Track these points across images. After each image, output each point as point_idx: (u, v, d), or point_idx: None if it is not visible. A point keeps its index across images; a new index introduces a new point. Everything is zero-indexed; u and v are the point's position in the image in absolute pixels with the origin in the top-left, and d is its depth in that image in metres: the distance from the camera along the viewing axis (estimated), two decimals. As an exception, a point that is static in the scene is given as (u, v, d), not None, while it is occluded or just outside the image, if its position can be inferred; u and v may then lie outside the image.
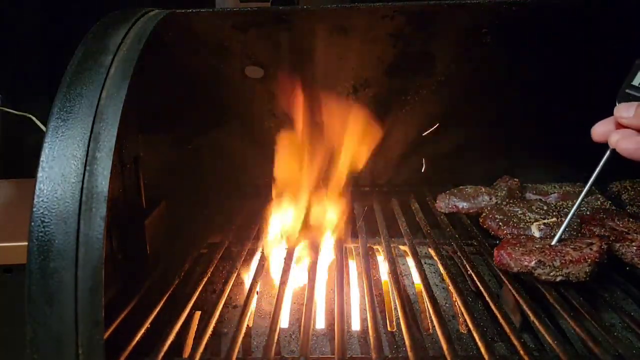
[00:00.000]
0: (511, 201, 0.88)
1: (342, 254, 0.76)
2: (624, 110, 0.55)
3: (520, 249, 0.67)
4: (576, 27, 0.80)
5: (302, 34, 0.81)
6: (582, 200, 0.64)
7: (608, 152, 0.58)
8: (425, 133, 0.96)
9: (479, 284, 0.65)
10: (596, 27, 0.79)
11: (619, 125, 0.56)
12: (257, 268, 0.73)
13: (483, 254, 0.77)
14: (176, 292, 0.66)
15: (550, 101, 0.92)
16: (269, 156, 0.89)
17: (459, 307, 0.67)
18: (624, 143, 0.55)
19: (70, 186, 0.49)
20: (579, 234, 0.75)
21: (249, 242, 0.83)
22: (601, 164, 0.60)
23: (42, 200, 0.48)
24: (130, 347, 0.52)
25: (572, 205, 0.66)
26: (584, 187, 0.63)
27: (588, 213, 0.84)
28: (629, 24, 0.78)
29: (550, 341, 0.52)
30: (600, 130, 0.58)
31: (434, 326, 0.60)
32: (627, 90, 0.57)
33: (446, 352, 0.51)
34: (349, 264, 0.81)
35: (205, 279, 0.70)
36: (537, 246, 0.67)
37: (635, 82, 0.56)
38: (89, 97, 0.53)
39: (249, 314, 0.61)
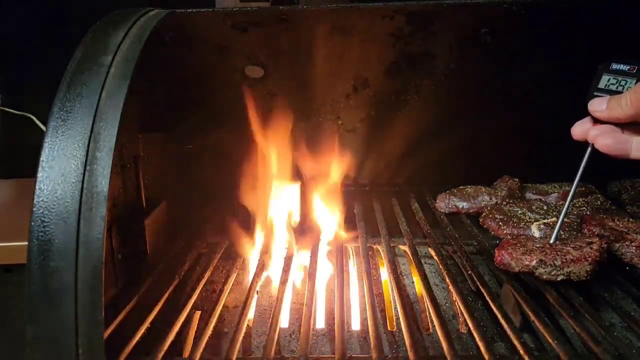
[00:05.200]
0: (511, 201, 0.88)
1: (342, 254, 0.76)
2: (597, 105, 0.59)
3: (521, 248, 0.67)
4: (576, 26, 0.80)
5: (302, 33, 0.81)
6: (572, 198, 0.66)
7: (589, 149, 0.62)
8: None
9: (479, 284, 0.65)
10: (597, 26, 0.79)
11: (596, 123, 0.60)
12: (257, 268, 0.73)
13: (483, 254, 0.77)
14: (176, 292, 0.66)
15: (550, 100, 0.92)
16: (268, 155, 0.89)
17: (459, 307, 0.67)
18: (602, 139, 0.58)
19: (70, 186, 0.49)
20: (579, 234, 0.75)
21: (248, 242, 0.83)
22: (584, 161, 0.63)
23: (42, 200, 0.48)
24: (130, 347, 0.52)
25: (570, 205, 0.67)
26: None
27: (588, 213, 0.84)
28: (629, 24, 0.78)
29: (551, 341, 0.52)
30: (579, 129, 0.62)
31: (434, 326, 0.60)
32: (595, 93, 0.61)
33: (446, 352, 0.51)
34: (349, 264, 0.81)
35: (205, 279, 0.70)
36: (537, 246, 0.67)
37: (601, 85, 0.61)
38: (89, 97, 0.53)
39: (249, 314, 0.61)
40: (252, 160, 0.89)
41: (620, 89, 0.60)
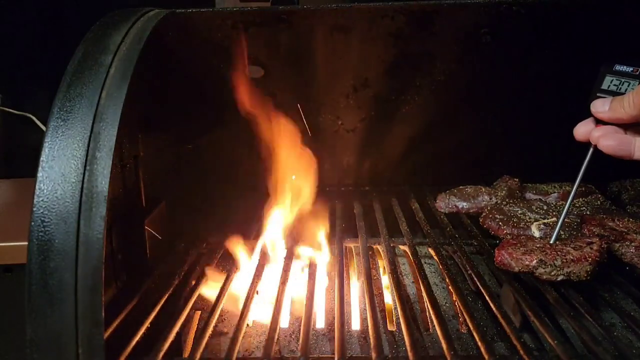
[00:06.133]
0: (511, 201, 0.88)
1: (342, 254, 0.76)
2: (599, 106, 0.59)
3: (521, 248, 0.67)
4: (576, 26, 0.80)
5: (302, 33, 0.81)
6: (573, 198, 0.67)
7: (591, 149, 0.62)
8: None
9: (479, 284, 0.65)
10: (597, 26, 0.79)
11: (598, 124, 0.60)
12: (257, 268, 0.73)
13: (483, 254, 0.77)
14: (176, 292, 0.66)
15: (550, 100, 0.92)
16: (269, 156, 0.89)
17: (459, 307, 0.67)
18: (605, 140, 0.58)
19: (70, 186, 0.49)
20: (579, 234, 0.75)
21: (249, 241, 0.83)
22: (586, 161, 0.64)
23: (42, 200, 0.48)
24: (130, 347, 0.52)
25: (570, 205, 0.67)
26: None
27: (588, 213, 0.84)
28: (630, 25, 0.78)
29: (550, 341, 0.52)
30: (581, 130, 0.62)
31: (434, 326, 0.60)
32: (598, 94, 0.62)
33: (446, 352, 0.51)
34: (349, 264, 0.81)
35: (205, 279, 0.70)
36: (537, 246, 0.67)
37: (604, 86, 0.62)
38: (89, 97, 0.53)
39: (249, 314, 0.61)
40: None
41: (623, 90, 0.60)
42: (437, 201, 0.94)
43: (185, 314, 0.60)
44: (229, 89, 0.91)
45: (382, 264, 0.81)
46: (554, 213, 0.82)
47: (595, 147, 0.60)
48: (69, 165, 0.49)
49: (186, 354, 0.61)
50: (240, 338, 0.55)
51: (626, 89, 0.60)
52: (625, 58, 0.61)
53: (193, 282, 0.71)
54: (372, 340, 0.54)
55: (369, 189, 1.04)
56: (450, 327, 0.65)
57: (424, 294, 0.64)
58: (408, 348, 0.52)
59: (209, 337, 0.57)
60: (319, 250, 0.80)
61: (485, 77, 0.89)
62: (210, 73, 0.87)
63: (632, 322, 0.58)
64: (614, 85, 0.61)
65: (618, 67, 0.61)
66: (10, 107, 1.26)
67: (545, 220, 0.79)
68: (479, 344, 0.52)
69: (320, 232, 0.85)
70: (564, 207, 0.67)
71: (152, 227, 0.74)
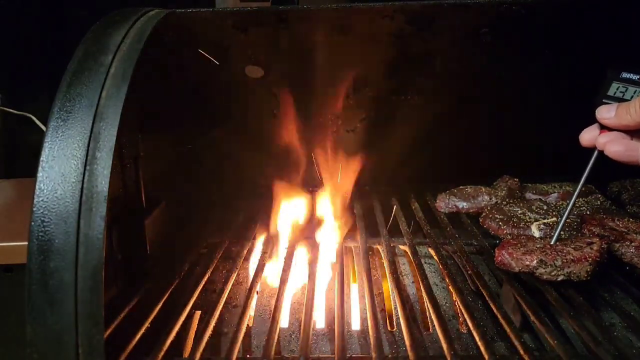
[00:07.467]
0: (511, 201, 0.88)
1: (342, 254, 0.76)
2: (605, 112, 0.59)
3: (522, 248, 0.67)
4: (577, 26, 0.80)
5: (302, 33, 0.81)
6: (575, 200, 0.67)
7: (595, 153, 0.62)
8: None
9: (479, 284, 0.65)
10: (598, 27, 0.79)
11: (603, 130, 0.60)
12: (257, 268, 0.73)
13: (483, 254, 0.77)
14: (176, 292, 0.66)
15: (550, 101, 0.92)
16: (269, 155, 0.89)
17: (459, 307, 0.67)
18: (612, 146, 0.58)
19: (70, 186, 0.49)
20: (579, 234, 0.75)
21: (249, 242, 0.83)
22: (589, 166, 0.64)
23: (42, 200, 0.48)
24: (130, 347, 0.53)
25: (572, 207, 0.67)
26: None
27: (588, 213, 0.84)
28: (632, 25, 0.78)
29: (551, 341, 0.52)
30: (587, 136, 0.62)
31: (434, 326, 0.60)
32: (604, 100, 0.62)
33: (446, 352, 0.51)
34: (349, 264, 0.81)
35: (205, 279, 0.70)
36: (537, 246, 0.67)
37: (610, 93, 0.62)
38: (89, 97, 0.53)
39: (248, 313, 0.61)
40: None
41: (628, 97, 0.60)
42: (437, 201, 0.94)
43: (185, 314, 0.60)
44: (228, 89, 0.91)
45: (382, 263, 0.81)
46: (554, 213, 0.82)
47: (600, 152, 0.60)
48: (69, 165, 0.49)
49: (186, 354, 0.60)
50: (240, 338, 0.55)
51: (631, 96, 0.60)
52: (632, 66, 0.61)
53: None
54: (372, 341, 0.54)
55: (369, 189, 1.04)
56: (450, 327, 0.65)
57: (424, 294, 0.64)
58: (408, 348, 0.52)
59: (208, 337, 0.57)
60: (319, 250, 0.80)
61: (485, 77, 0.89)
62: (210, 73, 0.87)
63: (632, 322, 0.58)
64: (620, 92, 0.61)
65: (625, 75, 0.61)
66: (10, 107, 1.26)
67: (546, 220, 0.79)
68: (479, 343, 0.52)
69: (320, 232, 0.85)
70: (564, 208, 0.67)
71: (152, 227, 0.74)
